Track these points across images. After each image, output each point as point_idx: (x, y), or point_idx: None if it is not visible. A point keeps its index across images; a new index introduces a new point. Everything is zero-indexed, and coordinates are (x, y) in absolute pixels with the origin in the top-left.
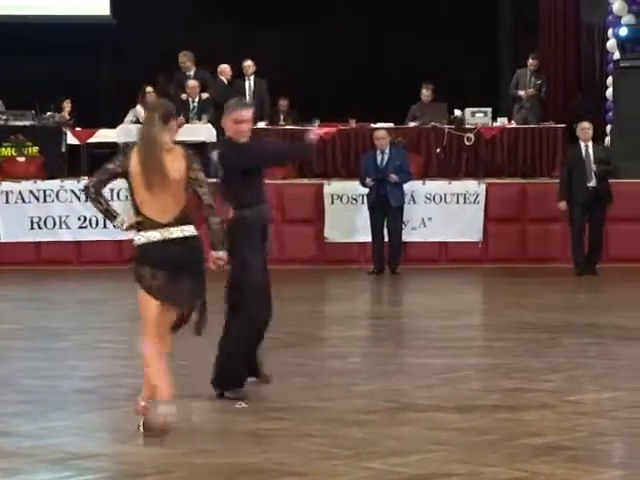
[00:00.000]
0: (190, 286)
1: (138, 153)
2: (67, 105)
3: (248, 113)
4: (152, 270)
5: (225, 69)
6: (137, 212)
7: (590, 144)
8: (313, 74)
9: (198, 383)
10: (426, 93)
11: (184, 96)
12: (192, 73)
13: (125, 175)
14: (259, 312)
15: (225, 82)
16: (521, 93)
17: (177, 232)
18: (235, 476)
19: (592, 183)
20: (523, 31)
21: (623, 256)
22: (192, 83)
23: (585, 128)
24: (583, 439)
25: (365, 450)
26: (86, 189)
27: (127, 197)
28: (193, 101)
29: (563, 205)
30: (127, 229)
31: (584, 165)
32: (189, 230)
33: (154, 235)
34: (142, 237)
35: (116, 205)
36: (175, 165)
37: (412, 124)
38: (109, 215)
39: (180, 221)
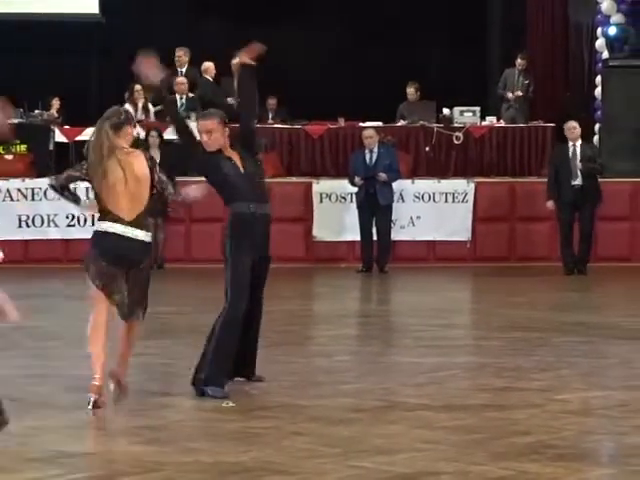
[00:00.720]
0: (131, 290)
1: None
2: (55, 103)
3: (206, 123)
4: (98, 257)
5: (209, 67)
6: (100, 204)
7: (578, 143)
8: (302, 72)
9: (187, 382)
10: (411, 91)
11: (171, 97)
12: (184, 70)
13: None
14: (239, 310)
15: (210, 80)
16: (509, 95)
17: (131, 232)
18: (223, 475)
19: (578, 181)
20: (511, 30)
21: (611, 255)
22: (180, 80)
23: (572, 128)
24: (571, 438)
25: (353, 449)
26: (52, 187)
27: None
28: (181, 98)
29: (550, 204)
30: (89, 210)
31: (569, 164)
32: (142, 234)
33: (111, 227)
34: (100, 225)
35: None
36: (136, 165)
37: (401, 123)
38: (76, 201)
39: (137, 224)
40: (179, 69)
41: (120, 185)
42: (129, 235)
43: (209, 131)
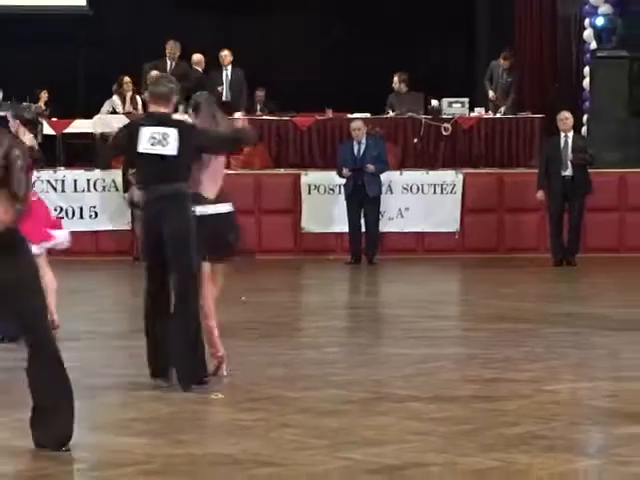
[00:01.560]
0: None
1: None
2: (43, 95)
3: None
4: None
5: (200, 59)
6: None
7: (570, 134)
8: (290, 64)
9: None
10: (397, 81)
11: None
12: (174, 63)
13: None
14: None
15: (200, 72)
16: (491, 94)
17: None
18: (212, 467)
19: (568, 172)
20: (500, 21)
21: (600, 246)
22: (154, 74)
23: (564, 118)
24: (560, 428)
25: (342, 440)
26: None
27: (104, 188)
28: None
29: (540, 195)
30: None
31: (560, 154)
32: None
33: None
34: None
35: (93, 196)
36: None
37: (390, 114)
38: None
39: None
40: (170, 61)
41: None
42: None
43: None
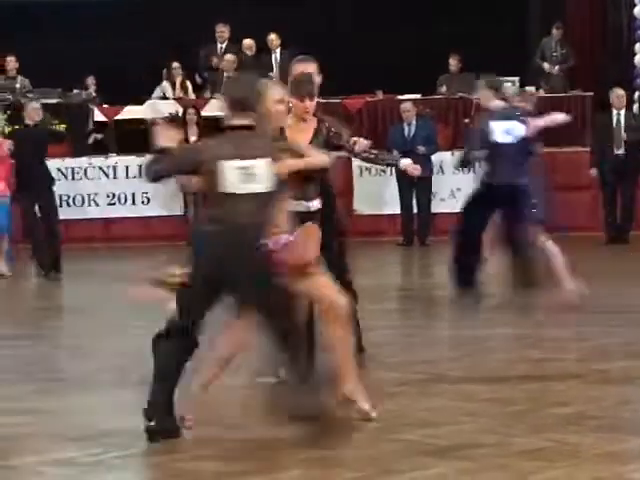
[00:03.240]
0: None
1: None
2: (91, 82)
3: None
4: None
5: (250, 44)
6: None
7: (622, 112)
8: (340, 46)
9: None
10: (453, 63)
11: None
12: (224, 46)
13: None
14: None
15: (252, 55)
16: (546, 67)
17: None
18: (264, 451)
19: (621, 150)
20: None
21: None
22: (229, 57)
23: (619, 95)
24: (611, 408)
25: (395, 422)
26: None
27: None
28: (227, 77)
29: (594, 172)
30: None
31: (613, 132)
32: None
33: None
34: None
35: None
36: None
37: (443, 89)
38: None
39: None
40: (220, 45)
41: None
42: None
43: None
